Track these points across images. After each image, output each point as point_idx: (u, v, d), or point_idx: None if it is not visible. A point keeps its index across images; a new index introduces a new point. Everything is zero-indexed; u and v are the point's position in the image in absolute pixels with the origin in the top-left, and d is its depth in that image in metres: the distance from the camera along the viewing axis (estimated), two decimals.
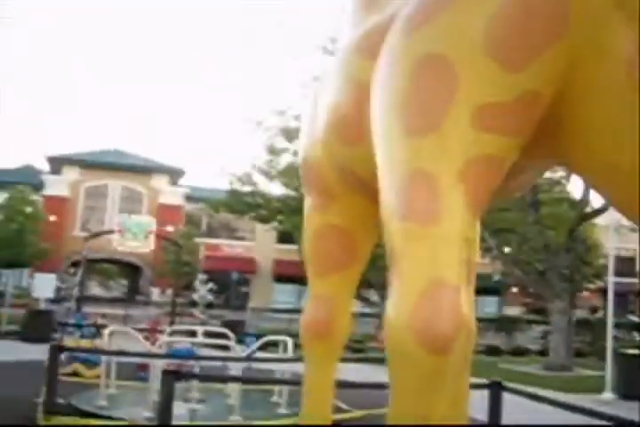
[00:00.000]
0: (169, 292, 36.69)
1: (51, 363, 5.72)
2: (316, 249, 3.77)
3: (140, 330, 10.31)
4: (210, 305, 26.89)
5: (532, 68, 2.23)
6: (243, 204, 26.48)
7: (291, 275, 40.70)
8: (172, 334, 9.84)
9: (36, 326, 16.94)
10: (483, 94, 2.27)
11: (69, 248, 40.86)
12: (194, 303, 26.03)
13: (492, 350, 20.33)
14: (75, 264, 40.44)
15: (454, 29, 2.32)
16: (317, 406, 3.73)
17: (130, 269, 49.55)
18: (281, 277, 43.61)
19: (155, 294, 41.69)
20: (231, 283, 40.87)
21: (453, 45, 2.32)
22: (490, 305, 38.58)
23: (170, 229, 39.55)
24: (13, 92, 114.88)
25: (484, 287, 36.59)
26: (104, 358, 8.05)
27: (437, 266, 2.24)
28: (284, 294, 44.27)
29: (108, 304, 35.34)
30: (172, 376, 4.43)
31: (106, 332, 8.00)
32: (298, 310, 7.59)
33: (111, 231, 25.23)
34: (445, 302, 2.19)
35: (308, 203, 3.87)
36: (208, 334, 9.07)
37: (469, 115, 2.27)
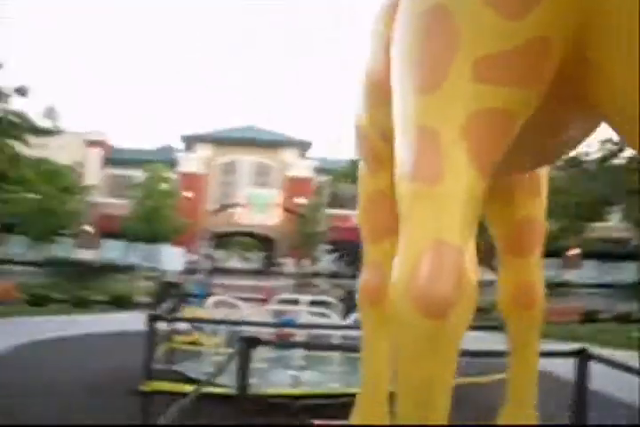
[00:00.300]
0: (301, 262, 37.54)
1: (149, 331, 6.02)
2: (367, 214, 3.77)
3: (252, 300, 10.59)
4: (334, 275, 27.10)
5: (533, 14, 2.08)
6: None
7: None
8: (279, 303, 10.03)
9: (167, 297, 17.76)
10: (482, 45, 2.15)
11: (205, 223, 42.30)
12: (318, 274, 26.44)
13: (625, 318, 19.53)
14: (213, 238, 41.98)
15: None
16: (374, 373, 3.73)
17: (265, 242, 50.81)
18: None
19: (288, 265, 42.61)
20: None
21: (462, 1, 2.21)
22: (628, 271, 36.89)
23: (299, 201, 40.22)
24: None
25: (621, 253, 35.16)
26: (213, 326, 8.34)
27: (439, 226, 2.16)
28: None
29: (243, 276, 36.38)
30: (246, 342, 4.54)
31: (210, 301, 8.27)
32: None
33: (236, 205, 25.96)
34: (446, 262, 2.10)
35: (361, 167, 3.87)
36: (313, 303, 9.20)
37: (470, 67, 2.16)
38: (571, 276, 34.34)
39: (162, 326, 6.94)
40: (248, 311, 8.73)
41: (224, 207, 30.42)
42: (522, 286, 3.83)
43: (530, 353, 3.91)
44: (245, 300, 9.96)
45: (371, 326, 3.75)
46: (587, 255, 35.23)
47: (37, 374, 8.88)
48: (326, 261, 34.55)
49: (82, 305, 18.41)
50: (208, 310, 8.96)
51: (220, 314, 8.66)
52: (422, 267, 2.10)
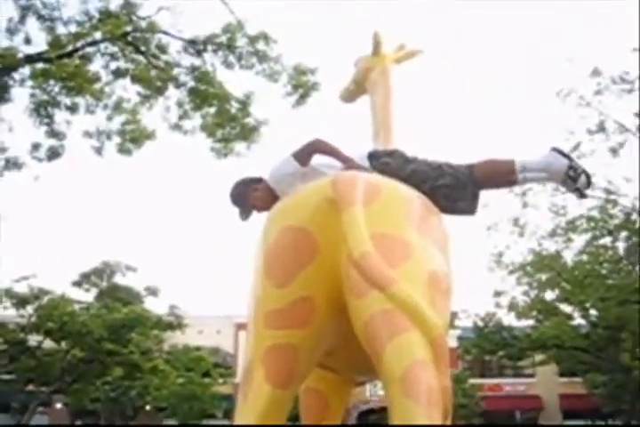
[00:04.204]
0: None
1: None
2: (301, 404, 4.62)
3: None
4: None
5: (294, 283, 3.32)
6: (490, 343, 26.27)
7: (580, 410, 38.39)
8: None
9: None
10: (267, 304, 3.39)
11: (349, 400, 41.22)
12: None
13: None
14: (362, 416, 41.10)
15: (256, 261, 3.56)
16: None
17: None
18: (570, 413, 41.19)
19: None
20: (516, 424, 39.28)
21: (253, 275, 3.57)
22: None
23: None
24: None
25: None
26: None
27: (246, 422, 3.25)
28: None
29: None
30: None
31: None
32: None
33: (362, 383, 26.12)
34: None
35: None
36: None
37: (263, 319, 3.38)
38: None
39: None
40: None
41: (358, 384, 30.34)
42: None
43: None
44: None
45: None
46: None
47: None
48: None
49: None
50: None
51: None
52: None
